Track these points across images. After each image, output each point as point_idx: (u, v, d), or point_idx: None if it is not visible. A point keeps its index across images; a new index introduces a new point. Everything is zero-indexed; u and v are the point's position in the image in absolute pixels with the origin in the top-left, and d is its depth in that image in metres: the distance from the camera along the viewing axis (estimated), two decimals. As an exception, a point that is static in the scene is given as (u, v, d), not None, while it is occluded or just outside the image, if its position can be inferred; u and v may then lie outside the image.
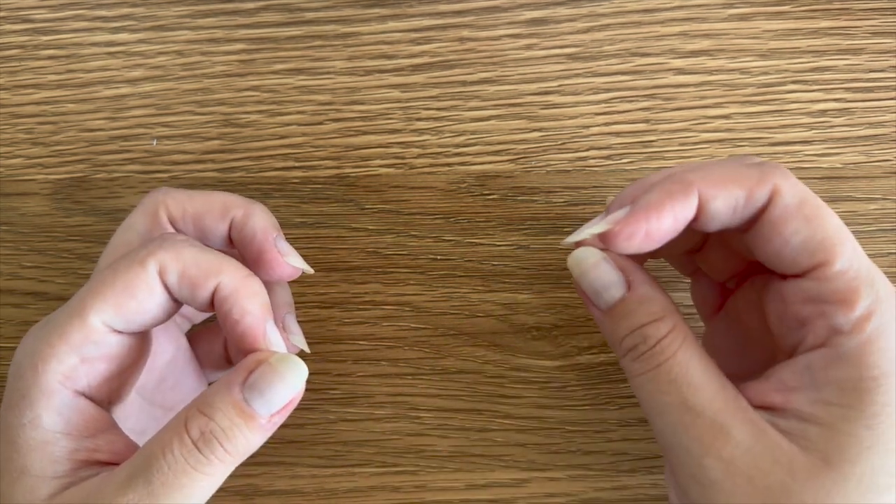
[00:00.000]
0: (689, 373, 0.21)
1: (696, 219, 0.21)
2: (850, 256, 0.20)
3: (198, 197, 0.25)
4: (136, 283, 0.21)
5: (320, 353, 0.29)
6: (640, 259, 0.24)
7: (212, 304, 0.22)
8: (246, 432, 0.20)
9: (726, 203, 0.21)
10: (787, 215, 0.20)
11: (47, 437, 0.21)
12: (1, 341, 0.30)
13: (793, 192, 0.21)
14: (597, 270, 0.22)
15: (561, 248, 0.30)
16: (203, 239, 0.25)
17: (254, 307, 0.22)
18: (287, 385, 0.21)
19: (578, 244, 0.23)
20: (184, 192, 0.25)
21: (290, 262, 0.24)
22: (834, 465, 0.19)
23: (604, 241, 0.21)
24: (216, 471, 0.20)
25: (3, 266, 0.31)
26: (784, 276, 0.21)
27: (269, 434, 0.21)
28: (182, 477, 0.20)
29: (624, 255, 0.22)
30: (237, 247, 0.25)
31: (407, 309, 0.30)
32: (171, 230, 0.25)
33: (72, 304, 0.22)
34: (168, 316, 0.23)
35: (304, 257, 0.30)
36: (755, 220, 0.21)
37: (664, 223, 0.21)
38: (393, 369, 0.29)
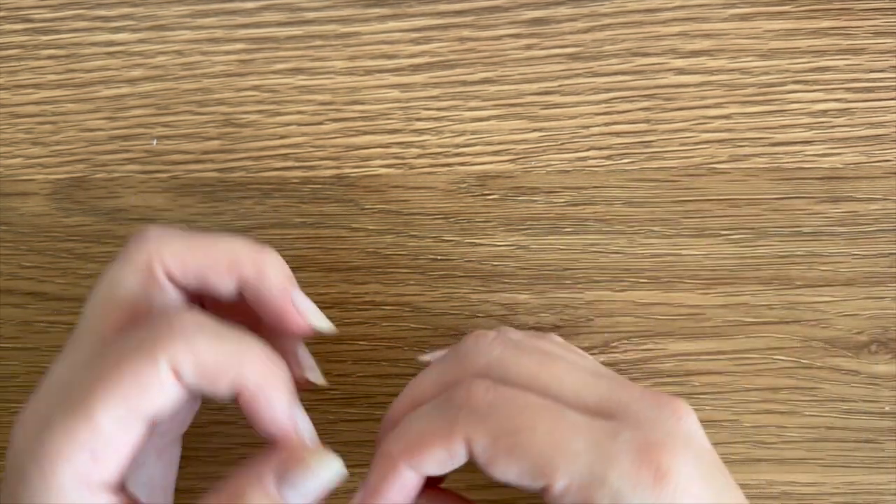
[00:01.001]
0: None
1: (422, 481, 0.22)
2: (568, 472, 0.20)
3: (199, 249, 0.23)
4: (147, 381, 0.20)
5: (320, 354, 0.29)
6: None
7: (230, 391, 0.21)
8: None
9: (435, 462, 0.21)
10: (491, 457, 0.21)
11: None
12: (1, 341, 0.30)
13: (483, 440, 0.21)
14: None
15: (562, 248, 0.30)
16: (207, 291, 0.23)
17: (281, 402, 0.21)
18: (321, 481, 0.21)
19: None
20: (181, 241, 0.23)
21: (313, 322, 0.24)
22: None
23: None
24: None
25: (2, 266, 0.31)
26: None
27: None
28: None
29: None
30: (249, 304, 0.23)
31: (407, 309, 0.30)
32: (170, 289, 0.23)
33: (75, 399, 0.20)
34: (182, 404, 0.21)
35: (304, 257, 0.30)
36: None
37: (393, 499, 0.21)
38: (393, 369, 0.29)
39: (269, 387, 0.21)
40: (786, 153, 0.30)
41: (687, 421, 0.21)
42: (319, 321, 0.24)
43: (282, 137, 0.31)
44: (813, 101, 0.30)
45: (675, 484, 0.20)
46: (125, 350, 0.20)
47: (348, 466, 0.28)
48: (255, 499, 0.20)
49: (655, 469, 0.20)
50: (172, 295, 0.23)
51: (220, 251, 0.23)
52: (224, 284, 0.23)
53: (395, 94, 0.31)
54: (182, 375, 0.20)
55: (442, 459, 0.21)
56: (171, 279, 0.23)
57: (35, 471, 0.20)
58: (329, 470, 0.21)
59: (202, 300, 0.25)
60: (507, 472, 0.21)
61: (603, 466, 0.20)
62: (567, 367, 0.22)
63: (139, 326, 0.21)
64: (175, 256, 0.22)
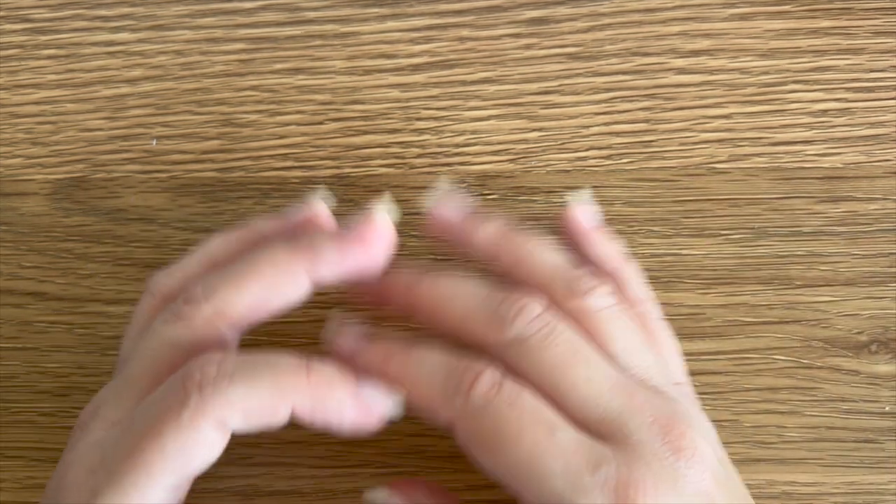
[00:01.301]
0: None
1: None
2: (538, 492, 0.20)
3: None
4: (193, 449, 0.20)
5: (320, 354, 0.29)
6: None
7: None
8: None
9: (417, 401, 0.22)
10: (471, 449, 0.21)
11: None
12: (0, 341, 0.30)
13: (468, 434, 0.21)
14: None
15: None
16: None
17: (344, 406, 0.22)
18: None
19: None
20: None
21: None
22: None
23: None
24: None
25: (2, 266, 0.31)
26: None
27: None
28: None
29: (412, 483, 0.24)
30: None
31: (407, 309, 0.30)
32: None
33: (123, 472, 0.20)
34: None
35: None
36: None
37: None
38: (393, 369, 0.29)
39: (325, 407, 0.21)
40: (786, 153, 0.30)
41: (687, 461, 0.20)
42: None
43: (281, 137, 0.31)
44: (813, 101, 0.30)
45: None
46: (159, 423, 0.20)
47: (349, 467, 0.28)
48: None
49: None
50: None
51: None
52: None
53: (395, 93, 0.31)
54: (230, 426, 0.21)
55: (427, 415, 0.22)
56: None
57: None
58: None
59: None
60: (483, 465, 0.21)
61: (573, 498, 0.19)
62: (588, 373, 0.21)
63: (172, 385, 0.21)
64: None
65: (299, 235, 0.24)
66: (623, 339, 0.23)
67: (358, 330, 0.24)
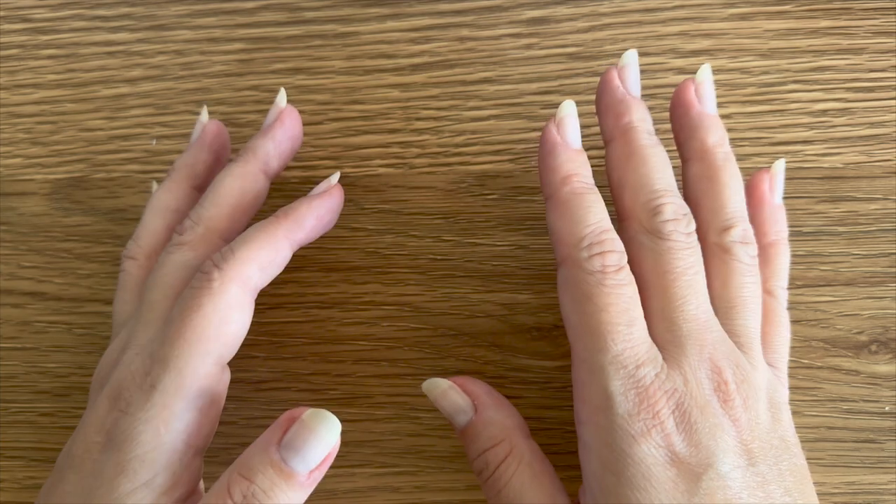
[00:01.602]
0: (522, 499, 0.23)
1: None
2: (594, 360, 0.22)
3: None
4: (229, 314, 0.23)
5: (320, 354, 0.29)
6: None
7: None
8: (287, 491, 0.21)
9: None
10: (560, 293, 0.24)
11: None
12: (0, 341, 0.30)
13: (569, 278, 0.23)
14: (445, 398, 0.25)
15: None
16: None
17: (319, 214, 0.26)
18: (321, 441, 0.21)
19: None
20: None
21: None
22: None
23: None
24: None
25: (1, 266, 0.31)
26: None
27: (309, 490, 0.21)
28: None
29: (474, 381, 0.25)
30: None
31: (407, 309, 0.30)
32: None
33: (174, 364, 0.22)
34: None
35: (304, 257, 0.30)
36: None
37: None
38: (393, 370, 0.29)
39: (302, 224, 0.25)
40: (786, 153, 0.30)
41: (726, 404, 0.22)
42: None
43: (281, 137, 0.31)
44: (813, 101, 0.30)
45: None
46: (200, 296, 0.23)
47: (349, 466, 0.28)
48: (258, 464, 0.21)
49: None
50: None
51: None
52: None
53: (395, 93, 0.31)
54: (253, 283, 0.24)
55: (552, 244, 0.24)
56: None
57: (150, 433, 0.22)
58: (328, 428, 0.21)
59: None
60: (563, 312, 0.24)
61: (608, 380, 0.22)
62: (688, 297, 0.23)
63: (194, 281, 0.24)
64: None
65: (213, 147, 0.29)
66: (738, 294, 0.24)
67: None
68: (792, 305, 0.29)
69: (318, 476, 0.21)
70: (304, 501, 0.21)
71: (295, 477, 0.21)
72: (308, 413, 0.21)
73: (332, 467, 0.29)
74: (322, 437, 0.21)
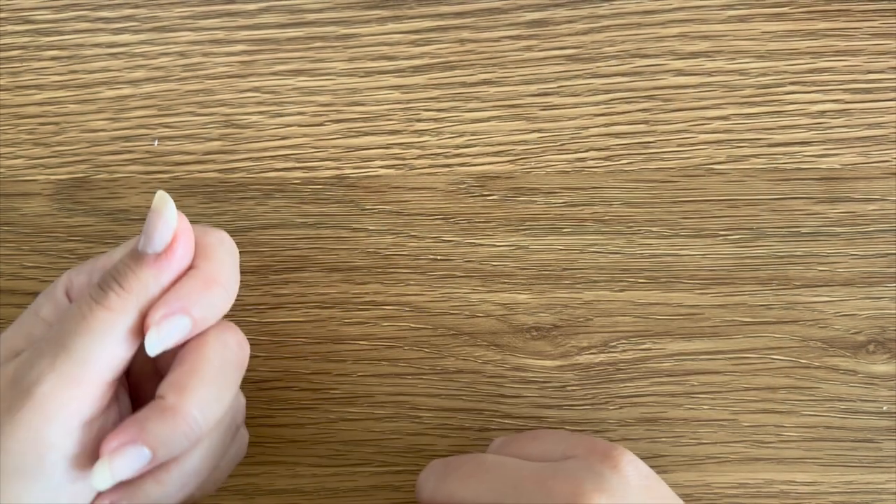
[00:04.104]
0: None
1: None
2: None
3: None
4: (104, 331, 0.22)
5: (320, 353, 0.30)
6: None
7: None
8: (136, 269, 0.22)
9: None
10: None
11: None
12: (3, 341, 0.30)
13: None
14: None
15: (561, 248, 0.30)
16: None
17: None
18: (161, 217, 0.22)
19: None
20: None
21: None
22: None
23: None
24: (113, 304, 0.22)
25: (4, 266, 0.31)
26: None
27: (162, 273, 0.22)
28: (87, 314, 0.22)
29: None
30: None
31: (407, 309, 0.30)
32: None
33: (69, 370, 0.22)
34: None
35: (305, 258, 0.30)
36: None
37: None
38: (393, 369, 0.29)
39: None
40: (784, 154, 0.30)
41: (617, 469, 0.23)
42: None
43: (283, 138, 0.31)
44: (811, 102, 0.31)
45: None
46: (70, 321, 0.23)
47: (348, 465, 0.29)
48: (119, 257, 0.23)
49: None
50: None
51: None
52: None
53: (396, 95, 0.31)
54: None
55: None
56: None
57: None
58: (163, 202, 0.23)
59: None
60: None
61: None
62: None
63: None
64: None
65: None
66: None
67: None
68: (790, 305, 0.29)
69: (168, 261, 0.22)
70: (155, 284, 0.22)
71: (143, 257, 0.22)
72: (154, 198, 0.23)
73: (332, 466, 0.29)
74: (161, 213, 0.22)
